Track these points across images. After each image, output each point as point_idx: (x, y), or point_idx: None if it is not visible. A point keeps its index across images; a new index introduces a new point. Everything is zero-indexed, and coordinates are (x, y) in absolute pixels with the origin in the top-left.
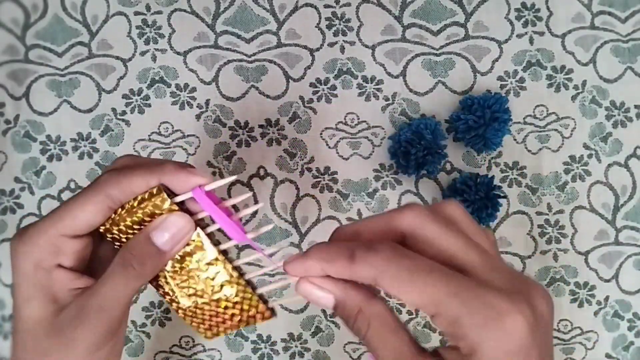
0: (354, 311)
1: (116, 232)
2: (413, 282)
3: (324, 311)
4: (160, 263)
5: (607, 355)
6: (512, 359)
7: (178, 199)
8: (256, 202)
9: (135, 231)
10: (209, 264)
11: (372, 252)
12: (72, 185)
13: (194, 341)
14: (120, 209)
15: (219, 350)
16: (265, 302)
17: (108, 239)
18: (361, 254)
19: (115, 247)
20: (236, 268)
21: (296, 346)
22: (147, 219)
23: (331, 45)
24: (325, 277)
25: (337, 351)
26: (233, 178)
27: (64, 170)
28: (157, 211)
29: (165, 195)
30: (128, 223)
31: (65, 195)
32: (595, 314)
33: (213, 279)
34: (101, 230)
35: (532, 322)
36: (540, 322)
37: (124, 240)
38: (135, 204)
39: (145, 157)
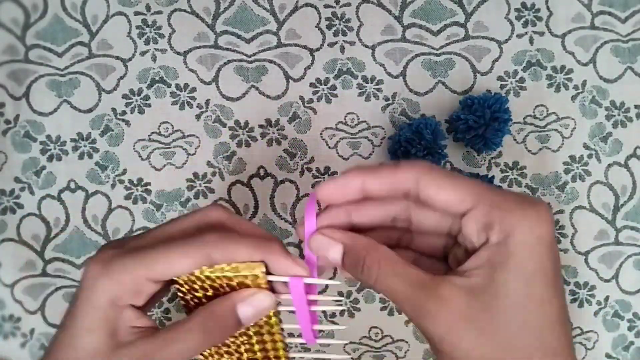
0: (363, 254)
1: (191, 284)
2: (453, 181)
3: (323, 311)
4: (234, 332)
5: (607, 355)
6: (541, 244)
7: (273, 278)
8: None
9: (210, 290)
10: (272, 342)
11: (413, 163)
12: (72, 186)
13: None
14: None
15: None
16: None
17: (176, 286)
18: (404, 164)
19: (179, 294)
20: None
21: (296, 346)
22: (232, 284)
23: (331, 45)
24: (334, 229)
25: (337, 351)
26: (336, 282)
27: (64, 170)
28: (247, 282)
29: (264, 274)
30: (211, 283)
31: (65, 195)
32: (595, 314)
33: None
34: (175, 277)
35: (553, 218)
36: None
37: (195, 294)
38: (228, 268)
39: (243, 219)
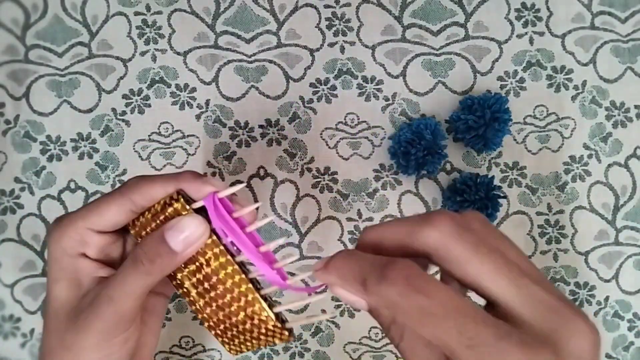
0: (388, 319)
1: (144, 235)
2: (423, 325)
3: (324, 311)
4: (171, 263)
5: (607, 356)
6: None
7: (195, 205)
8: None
9: None
10: (226, 274)
11: (384, 283)
12: (72, 186)
13: (193, 341)
14: (147, 212)
15: (219, 351)
16: (283, 322)
17: (138, 241)
18: (372, 282)
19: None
20: (252, 281)
21: (296, 346)
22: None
23: (331, 45)
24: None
25: (337, 351)
26: (242, 185)
27: (64, 171)
28: (176, 216)
29: (183, 201)
30: (153, 226)
31: (65, 196)
32: (595, 314)
33: (231, 290)
34: (132, 233)
35: (596, 338)
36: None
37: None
38: (159, 209)
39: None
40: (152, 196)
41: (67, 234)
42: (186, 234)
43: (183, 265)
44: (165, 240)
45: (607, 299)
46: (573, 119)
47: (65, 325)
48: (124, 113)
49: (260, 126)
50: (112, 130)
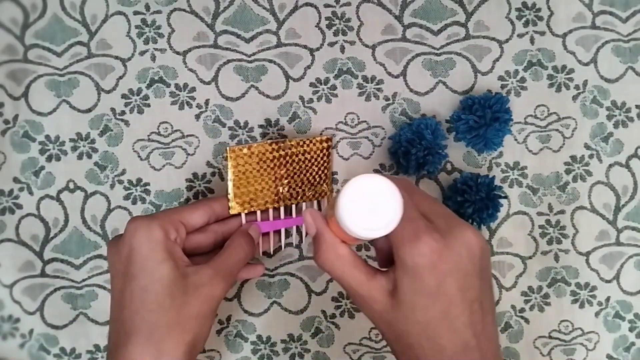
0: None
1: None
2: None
3: (324, 312)
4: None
5: (608, 356)
6: (423, 269)
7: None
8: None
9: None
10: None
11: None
12: (71, 186)
13: None
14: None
15: (218, 352)
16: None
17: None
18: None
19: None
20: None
21: (296, 347)
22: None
23: (331, 45)
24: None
25: (337, 352)
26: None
27: (63, 171)
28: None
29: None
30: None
31: (64, 196)
32: (597, 314)
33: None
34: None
35: (439, 247)
36: (450, 248)
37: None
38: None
39: None
40: (224, 210)
41: (167, 220)
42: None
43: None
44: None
45: (608, 299)
46: (574, 119)
47: (184, 299)
48: (123, 113)
49: (260, 126)
50: (112, 130)
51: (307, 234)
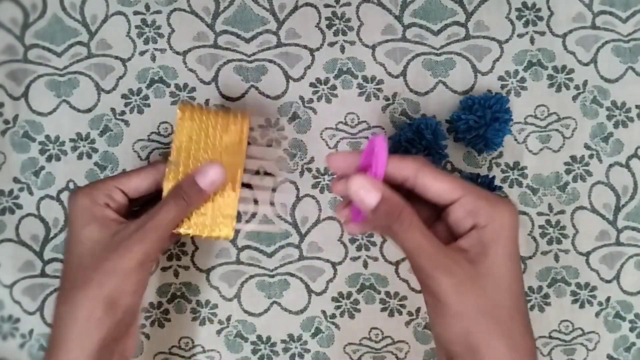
0: (400, 206)
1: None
2: (447, 176)
3: (324, 312)
4: (201, 198)
5: (609, 356)
6: (514, 229)
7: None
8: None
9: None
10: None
11: (416, 157)
12: (71, 186)
13: (193, 342)
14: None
15: (218, 352)
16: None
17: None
18: (408, 157)
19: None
20: (245, 185)
21: (296, 347)
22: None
23: (331, 45)
24: (374, 179)
25: (338, 352)
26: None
27: (63, 171)
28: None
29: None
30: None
31: (64, 196)
32: (597, 314)
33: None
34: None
35: (517, 213)
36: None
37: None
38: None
39: None
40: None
41: (97, 187)
42: (212, 178)
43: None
44: (197, 183)
45: (608, 299)
46: (574, 119)
47: (104, 255)
48: (123, 113)
49: (260, 126)
50: (112, 130)
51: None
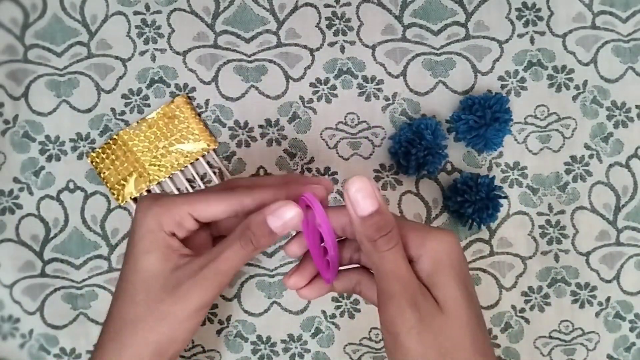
0: (392, 224)
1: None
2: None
3: (324, 312)
4: (271, 242)
5: (609, 356)
6: (448, 257)
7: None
8: None
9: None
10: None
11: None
12: (71, 186)
13: (193, 342)
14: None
15: (218, 352)
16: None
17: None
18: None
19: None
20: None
21: (296, 347)
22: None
23: (331, 45)
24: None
25: (338, 352)
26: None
27: (63, 171)
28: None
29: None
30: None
31: (65, 196)
32: (597, 314)
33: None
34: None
35: (456, 240)
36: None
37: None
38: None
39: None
40: (263, 200)
41: (169, 211)
42: (285, 220)
43: None
44: (267, 224)
45: (608, 299)
46: (574, 119)
47: (159, 296)
48: (123, 113)
49: (260, 126)
50: (111, 130)
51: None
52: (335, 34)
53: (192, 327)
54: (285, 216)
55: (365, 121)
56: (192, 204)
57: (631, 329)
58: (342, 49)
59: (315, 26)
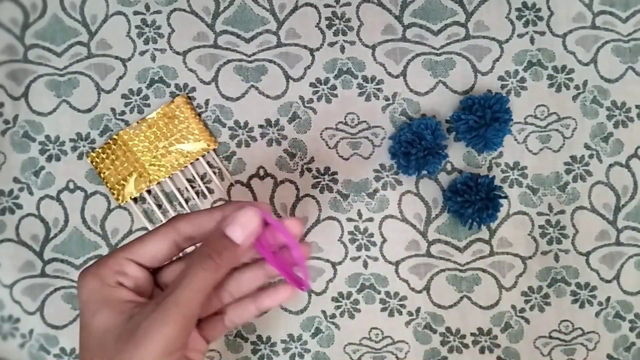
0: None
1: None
2: None
3: (324, 312)
4: (236, 255)
5: (609, 356)
6: None
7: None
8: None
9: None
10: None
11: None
12: (71, 186)
13: None
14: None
15: (218, 352)
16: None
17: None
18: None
19: None
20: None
21: (296, 347)
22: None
23: (331, 45)
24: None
25: (338, 352)
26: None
27: (63, 171)
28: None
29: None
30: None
31: (64, 196)
32: (597, 314)
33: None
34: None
35: None
36: None
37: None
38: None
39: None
40: (200, 224)
41: (105, 264)
42: (243, 224)
43: None
44: (226, 235)
45: (608, 299)
46: (574, 119)
47: (117, 348)
48: (123, 113)
49: (260, 126)
50: (111, 130)
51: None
52: (335, 34)
53: None
54: (243, 220)
55: (365, 121)
56: (127, 249)
57: (631, 329)
58: (342, 49)
59: (315, 26)
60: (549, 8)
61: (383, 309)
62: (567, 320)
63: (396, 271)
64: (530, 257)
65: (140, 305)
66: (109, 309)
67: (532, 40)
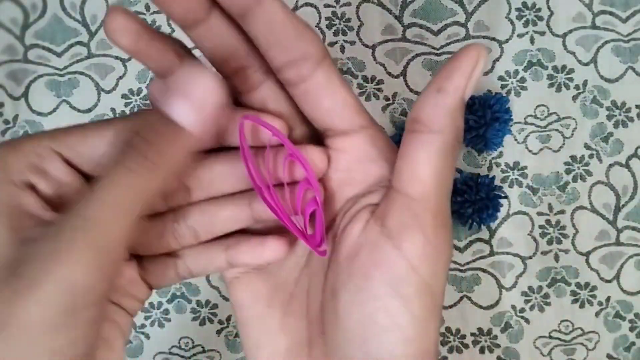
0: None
1: None
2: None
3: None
4: (184, 149)
5: (609, 356)
6: None
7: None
8: None
9: None
10: None
11: None
12: None
13: (193, 342)
14: None
15: (218, 352)
16: None
17: None
18: None
19: None
20: None
21: None
22: None
23: (331, 45)
24: None
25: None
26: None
27: None
28: None
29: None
30: None
31: None
32: (597, 314)
33: None
34: None
35: None
36: None
37: None
38: None
39: None
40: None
41: (19, 149)
42: (200, 96)
43: None
44: (170, 116)
45: (608, 299)
46: (574, 119)
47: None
48: (123, 113)
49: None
50: None
51: None
52: (335, 34)
53: (61, 347)
54: (196, 89)
55: None
56: (56, 135)
57: (631, 329)
58: (342, 49)
59: (315, 26)
60: (549, 8)
61: None
62: (567, 320)
63: None
64: (530, 257)
65: (44, 225)
66: (5, 222)
67: (532, 40)
